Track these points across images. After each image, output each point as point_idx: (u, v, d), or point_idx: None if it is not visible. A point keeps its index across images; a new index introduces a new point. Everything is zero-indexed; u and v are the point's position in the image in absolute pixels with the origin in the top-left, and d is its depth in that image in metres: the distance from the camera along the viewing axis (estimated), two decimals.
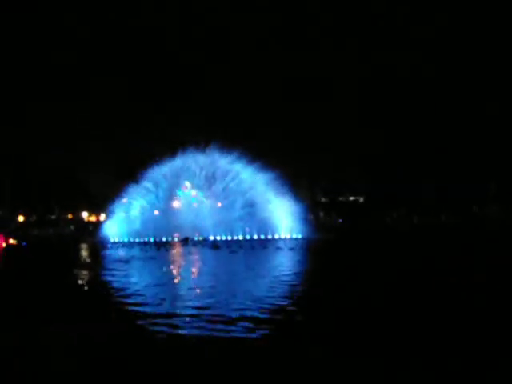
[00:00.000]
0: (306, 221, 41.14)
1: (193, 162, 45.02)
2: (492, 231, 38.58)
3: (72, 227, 54.07)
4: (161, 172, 45.33)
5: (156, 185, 45.38)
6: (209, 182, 45.29)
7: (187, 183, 46.63)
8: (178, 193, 46.62)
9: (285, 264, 20.23)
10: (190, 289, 12.96)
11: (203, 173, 45.07)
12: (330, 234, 38.83)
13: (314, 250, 27.72)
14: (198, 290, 12.40)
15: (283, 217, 41.25)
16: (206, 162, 44.65)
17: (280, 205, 41.51)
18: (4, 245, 37.83)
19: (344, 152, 63.69)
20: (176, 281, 15.48)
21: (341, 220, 50.77)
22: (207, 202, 45.87)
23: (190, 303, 10.22)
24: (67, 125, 67.84)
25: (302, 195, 41.83)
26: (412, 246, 26.95)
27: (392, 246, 28.65)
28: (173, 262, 22.50)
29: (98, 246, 37.22)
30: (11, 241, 41.39)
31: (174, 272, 18.16)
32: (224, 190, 44.36)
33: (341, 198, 53.51)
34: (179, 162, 45.13)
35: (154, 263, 21.45)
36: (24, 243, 41.46)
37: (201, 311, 9.05)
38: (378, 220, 57.33)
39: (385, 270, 15.51)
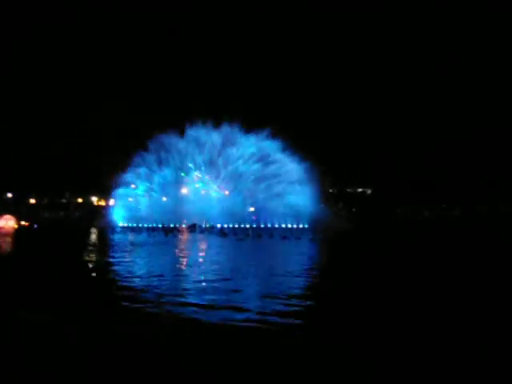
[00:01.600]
0: (316, 211, 40.80)
1: (202, 141, 45.24)
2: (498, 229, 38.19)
3: (80, 211, 54.68)
4: (169, 154, 45.73)
5: (163, 168, 45.83)
6: (217, 167, 45.44)
7: (197, 173, 46.62)
8: (183, 174, 46.60)
9: (285, 253, 20.35)
10: (198, 280, 13.12)
11: (213, 156, 45.24)
12: (348, 224, 37.49)
13: (327, 240, 27.58)
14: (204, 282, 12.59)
15: (293, 206, 40.99)
16: (215, 142, 44.81)
17: (291, 194, 41.46)
18: (16, 226, 38.57)
19: (355, 146, 63.48)
20: (184, 269, 15.67)
21: (354, 209, 50.31)
22: (215, 190, 46.03)
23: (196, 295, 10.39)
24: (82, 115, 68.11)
25: (315, 184, 41.59)
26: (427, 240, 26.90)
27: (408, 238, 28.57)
28: (181, 249, 22.76)
29: (107, 230, 37.69)
30: (23, 222, 42.15)
31: (184, 259, 18.40)
32: (232, 177, 44.53)
33: (349, 190, 53.08)
34: (187, 143, 45.52)
35: (163, 249, 21.73)
36: (35, 225, 42.23)
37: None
38: (389, 212, 56.96)
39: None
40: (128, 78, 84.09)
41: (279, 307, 8.26)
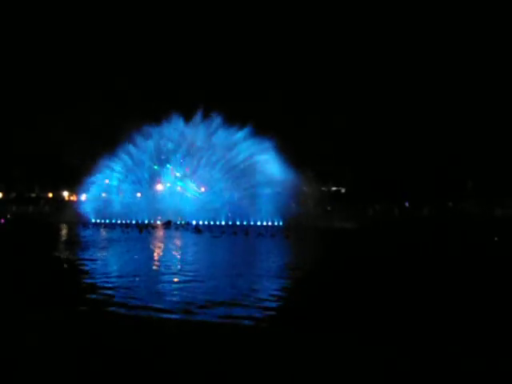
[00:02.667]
0: (291, 209, 41.13)
1: (179, 135, 44.97)
2: (467, 225, 39.68)
3: (50, 206, 53.07)
4: (144, 149, 45.21)
5: (138, 163, 45.27)
6: (193, 162, 45.16)
7: (172, 168, 46.21)
8: (156, 167, 46.10)
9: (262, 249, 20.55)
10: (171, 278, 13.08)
11: (190, 151, 45.00)
12: (323, 222, 37.49)
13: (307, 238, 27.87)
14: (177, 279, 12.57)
15: (269, 204, 41.20)
16: (193, 137, 44.57)
17: (266, 192, 41.63)
18: None
19: (329, 142, 64.39)
20: (158, 270, 15.56)
21: (329, 208, 50.99)
22: (190, 186, 45.73)
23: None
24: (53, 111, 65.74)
25: (291, 183, 41.88)
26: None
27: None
28: (156, 247, 22.55)
29: (79, 225, 36.78)
30: None
31: (158, 256, 18.26)
32: (208, 173, 44.37)
33: (323, 188, 53.67)
34: (163, 137, 45.13)
35: (137, 247, 21.46)
36: (2, 220, 40.82)
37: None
38: (361, 211, 58.06)
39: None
40: (102, 71, 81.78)
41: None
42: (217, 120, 43.93)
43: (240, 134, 43.72)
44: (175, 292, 9.90)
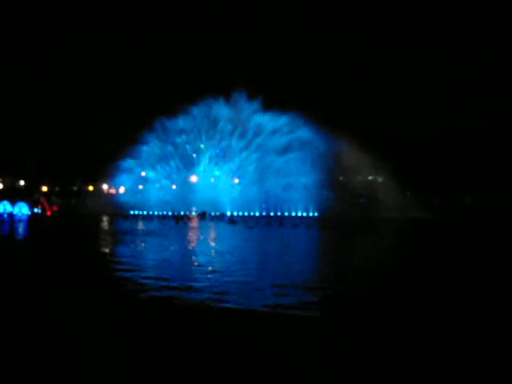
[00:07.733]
0: (326, 200, 40.59)
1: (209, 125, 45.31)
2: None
3: (91, 199, 55.07)
4: (179, 140, 46.00)
5: (174, 155, 46.16)
6: (227, 153, 45.42)
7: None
8: (202, 146, 46.55)
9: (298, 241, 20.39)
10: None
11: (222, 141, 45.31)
12: (358, 213, 36.49)
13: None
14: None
15: (302, 194, 40.87)
16: (225, 127, 44.69)
17: (301, 183, 41.25)
18: (29, 213, 39.17)
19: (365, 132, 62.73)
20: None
21: (363, 200, 49.32)
22: (225, 177, 46.08)
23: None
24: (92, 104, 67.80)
25: (327, 173, 41.25)
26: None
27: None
28: (193, 237, 22.96)
29: (118, 217, 37.94)
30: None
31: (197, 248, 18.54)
32: (242, 164, 44.44)
33: (359, 178, 52.22)
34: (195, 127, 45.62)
35: (176, 237, 21.94)
36: (55, 207, 42.94)
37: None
38: (400, 201, 56.12)
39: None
40: (137, 59, 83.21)
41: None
42: (256, 103, 43.62)
43: (278, 118, 43.17)
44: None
